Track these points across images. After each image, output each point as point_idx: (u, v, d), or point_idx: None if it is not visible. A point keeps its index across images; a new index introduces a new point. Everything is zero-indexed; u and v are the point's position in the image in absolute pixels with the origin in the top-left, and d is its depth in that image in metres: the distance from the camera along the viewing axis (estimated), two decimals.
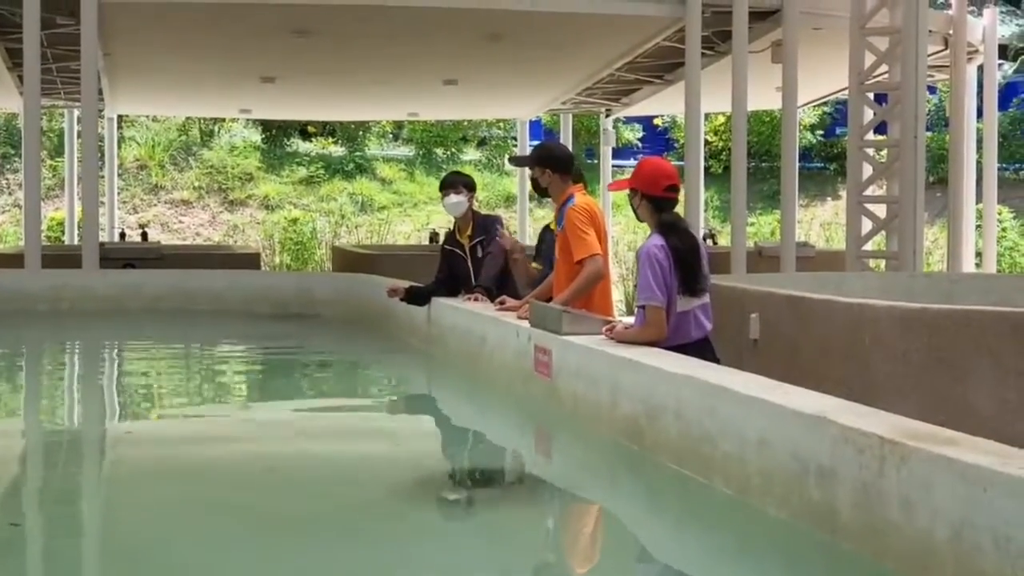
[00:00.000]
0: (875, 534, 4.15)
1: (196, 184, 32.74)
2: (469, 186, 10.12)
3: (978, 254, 20.61)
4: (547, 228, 9.41)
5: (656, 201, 6.81)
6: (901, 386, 7.68)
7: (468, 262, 9.98)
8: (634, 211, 7.02)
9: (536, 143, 15.53)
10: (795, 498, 4.64)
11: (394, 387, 10.48)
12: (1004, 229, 27.41)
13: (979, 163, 20.27)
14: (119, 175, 29.09)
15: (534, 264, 9.34)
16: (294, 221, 30.66)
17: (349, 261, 20.15)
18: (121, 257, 17.62)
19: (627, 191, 7.02)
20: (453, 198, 9.95)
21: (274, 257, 29.57)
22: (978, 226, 20.66)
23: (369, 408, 9.18)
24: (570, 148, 8.71)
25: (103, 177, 24.64)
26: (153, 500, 5.79)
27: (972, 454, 3.79)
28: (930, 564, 3.86)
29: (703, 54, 16.22)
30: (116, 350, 12.77)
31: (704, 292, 6.73)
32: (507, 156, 27.05)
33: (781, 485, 4.74)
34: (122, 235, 24.64)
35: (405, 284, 10.68)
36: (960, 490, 3.73)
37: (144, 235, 25.05)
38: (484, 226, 10.01)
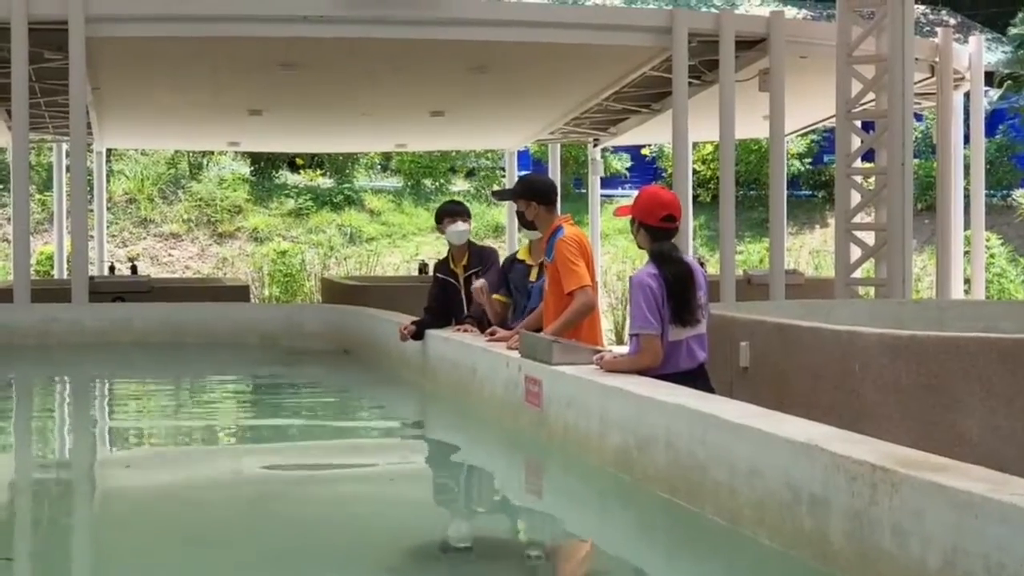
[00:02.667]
0: (868, 562, 4.14)
1: (185, 217, 32.74)
2: (469, 215, 10.15)
3: (966, 281, 20.65)
4: (512, 258, 9.39)
5: (653, 231, 6.81)
6: (891, 413, 7.68)
7: (462, 292, 9.96)
8: (634, 238, 7.03)
9: (521, 174, 15.54)
10: (787, 527, 4.63)
11: (385, 419, 10.46)
12: (992, 256, 27.45)
13: (966, 190, 20.32)
14: (108, 208, 29.05)
15: (498, 296, 9.28)
16: (283, 253, 30.65)
17: (338, 293, 20.15)
18: (110, 291, 17.61)
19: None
20: (460, 226, 9.94)
21: (263, 289, 29.55)
22: (966, 253, 20.70)
23: (360, 442, 9.14)
24: (558, 178, 8.74)
25: (92, 211, 24.63)
26: (142, 537, 5.77)
27: (963, 481, 3.79)
28: None
29: (690, 83, 16.27)
30: (106, 384, 12.73)
31: (698, 322, 6.72)
32: (491, 190, 27.08)
33: (773, 514, 4.74)
34: (111, 268, 24.61)
35: (408, 322, 10.59)
36: (952, 517, 3.73)
37: (134, 268, 25.02)
38: (480, 256, 10.01)
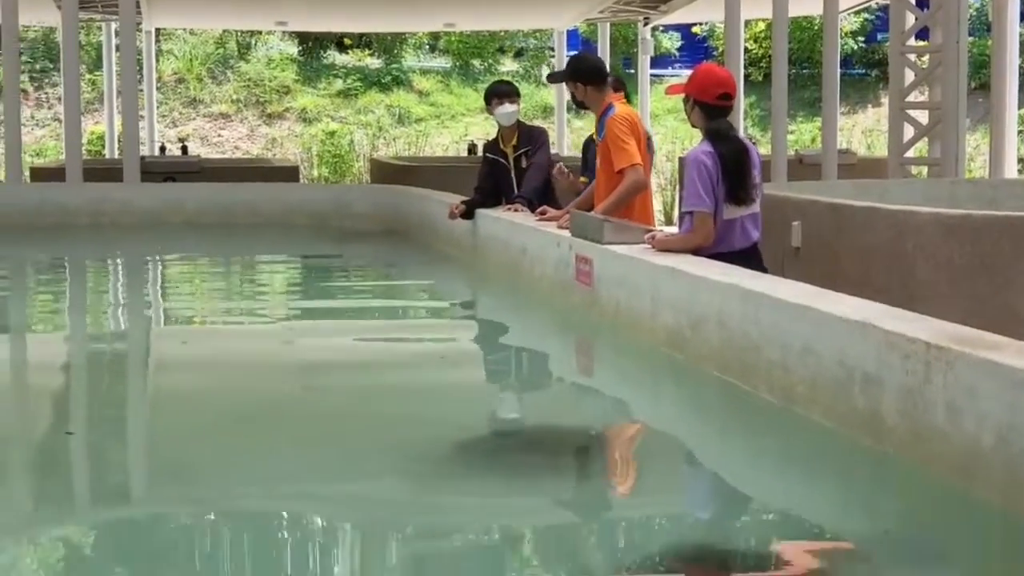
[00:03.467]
0: (920, 440, 4.14)
1: (234, 97, 32.69)
2: (519, 95, 10.09)
3: (1020, 160, 20.44)
4: (591, 139, 9.34)
5: (708, 108, 6.74)
6: (944, 293, 7.64)
7: (512, 172, 9.93)
8: (688, 117, 6.96)
9: (571, 55, 15.38)
10: (840, 405, 4.63)
11: (434, 299, 10.49)
12: None
13: (1022, 68, 20.01)
14: (157, 88, 29.03)
15: (582, 178, 9.26)
16: (332, 134, 30.60)
17: (387, 173, 20.12)
18: (161, 171, 17.65)
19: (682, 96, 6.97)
20: (508, 107, 9.87)
21: (312, 170, 29.55)
22: (1020, 132, 20.46)
23: (409, 322, 9.18)
24: (607, 57, 8.66)
25: (142, 91, 24.60)
26: (196, 413, 5.83)
27: (1019, 359, 3.77)
28: (976, 470, 3.86)
29: None
30: (158, 264, 12.83)
31: (753, 201, 6.67)
32: (546, 74, 26.81)
33: (826, 392, 4.74)
34: (162, 149, 24.62)
35: (458, 201, 10.59)
36: (1007, 395, 3.71)
37: (184, 149, 25.01)
38: (529, 136, 9.96)
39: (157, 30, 28.52)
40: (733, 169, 6.56)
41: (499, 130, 10.10)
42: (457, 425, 5.54)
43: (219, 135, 31.97)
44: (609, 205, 7.71)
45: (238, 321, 9.16)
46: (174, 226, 14.69)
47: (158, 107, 28.98)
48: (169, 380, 6.95)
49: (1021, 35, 19.73)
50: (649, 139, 8.55)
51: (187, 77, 32.71)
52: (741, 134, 7.94)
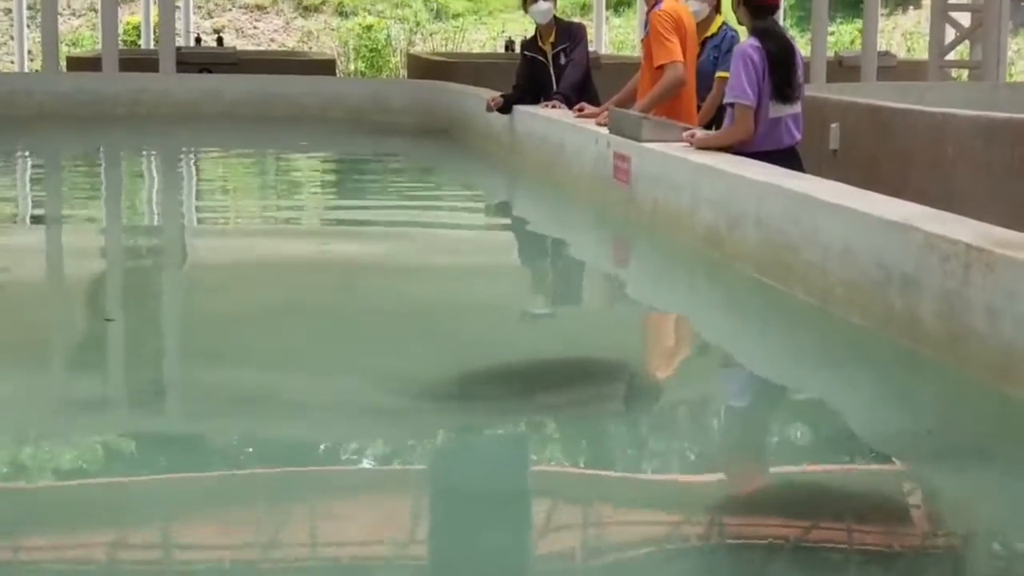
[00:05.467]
0: (958, 342, 4.15)
1: None
2: None
3: None
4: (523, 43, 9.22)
5: (754, 7, 6.68)
6: (983, 197, 7.61)
7: (551, 69, 9.85)
8: (735, 14, 6.90)
9: None
10: (878, 306, 4.64)
11: (472, 196, 10.50)
12: None
13: None
14: None
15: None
16: (368, 28, 30.44)
17: (425, 69, 20.03)
18: (197, 62, 17.59)
19: None
20: (543, 5, 9.77)
21: (348, 64, 29.44)
22: None
23: (447, 218, 9.15)
24: None
25: None
26: (233, 300, 5.91)
27: None
28: (1013, 372, 3.88)
29: None
30: (194, 155, 12.86)
31: (796, 100, 6.64)
32: None
33: (864, 293, 4.75)
34: (197, 40, 24.54)
35: (497, 95, 10.55)
36: None
37: (219, 40, 24.92)
38: (568, 33, 9.88)
39: None
40: (780, 66, 6.51)
41: (537, 28, 10.02)
42: (494, 321, 5.59)
43: (254, 27, 31.84)
44: (648, 102, 7.65)
45: (273, 217, 9.20)
46: (211, 117, 14.67)
47: None
48: (204, 272, 6.99)
49: None
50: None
51: None
52: None
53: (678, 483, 3.72)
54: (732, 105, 6.57)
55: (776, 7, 6.78)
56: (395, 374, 4.52)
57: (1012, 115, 8.02)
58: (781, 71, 6.51)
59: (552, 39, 9.82)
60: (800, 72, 6.67)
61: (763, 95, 6.48)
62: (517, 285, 6.75)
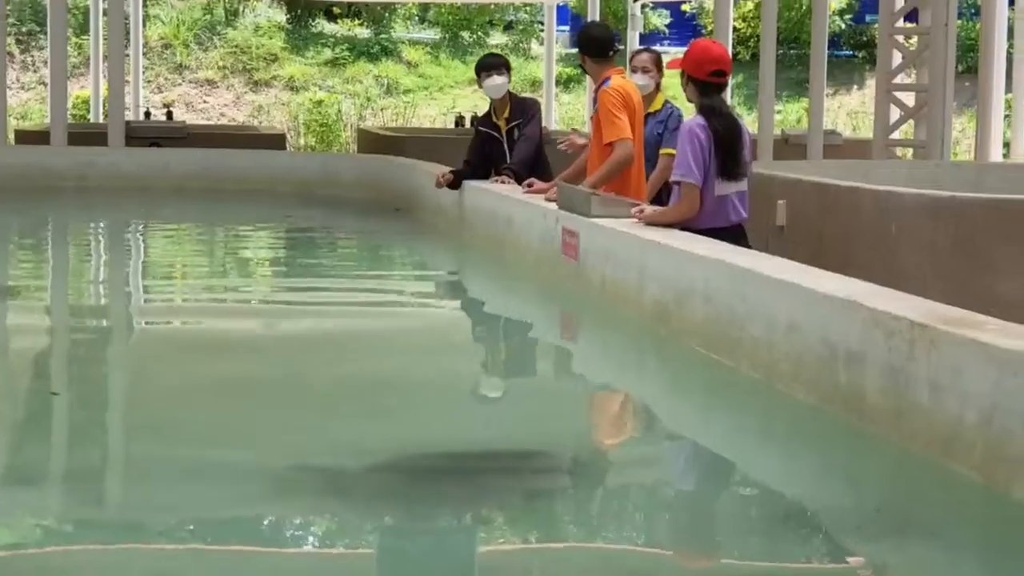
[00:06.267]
0: (903, 418, 4.18)
1: (221, 64, 32.57)
2: (508, 68, 10.05)
3: (1006, 144, 20.46)
4: (478, 119, 9.32)
5: (702, 85, 6.76)
6: (927, 275, 7.67)
7: (505, 144, 9.89)
8: (684, 92, 6.96)
9: (569, 27, 15.33)
10: (823, 382, 4.67)
11: (421, 270, 10.51)
12: None
13: (1009, 52, 20.04)
14: (144, 54, 28.92)
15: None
16: (319, 103, 30.52)
17: (375, 143, 20.08)
18: (147, 136, 17.56)
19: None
20: (497, 79, 9.83)
21: (299, 139, 29.48)
22: (1006, 116, 20.48)
23: (395, 292, 9.16)
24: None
25: (128, 56, 24.51)
26: (179, 375, 5.87)
27: (1003, 338, 3.81)
28: (957, 448, 3.90)
29: None
30: (142, 228, 12.82)
31: (742, 177, 6.70)
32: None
33: (809, 369, 4.77)
34: (147, 114, 24.54)
35: (446, 170, 10.58)
36: (991, 374, 3.75)
37: (169, 114, 24.92)
38: (522, 108, 9.93)
39: None
40: (726, 144, 6.58)
41: (491, 103, 10.07)
42: (439, 398, 5.58)
43: (205, 101, 31.86)
44: (597, 178, 7.69)
45: (221, 287, 9.17)
46: (159, 191, 14.64)
47: (144, 72, 28.87)
48: (150, 345, 6.96)
49: (1009, 19, 19.76)
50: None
51: (173, 43, 32.56)
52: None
53: (625, 563, 3.71)
54: (679, 183, 6.63)
55: (723, 86, 6.85)
56: (340, 453, 4.50)
57: (955, 193, 8.10)
58: (727, 149, 6.57)
59: (506, 114, 9.86)
60: (747, 150, 6.74)
61: (709, 173, 6.54)
62: (465, 361, 6.73)
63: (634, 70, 8.40)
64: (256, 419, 5.02)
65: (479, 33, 35.21)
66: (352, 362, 6.23)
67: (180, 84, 32.09)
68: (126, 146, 15.54)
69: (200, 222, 13.20)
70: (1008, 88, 19.98)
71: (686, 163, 6.55)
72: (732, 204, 6.70)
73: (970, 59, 25.98)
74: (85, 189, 14.52)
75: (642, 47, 10.42)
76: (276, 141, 19.92)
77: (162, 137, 17.63)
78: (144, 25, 29.29)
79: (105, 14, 16.17)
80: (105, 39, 21.71)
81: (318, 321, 7.54)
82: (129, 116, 21.26)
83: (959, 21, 20.54)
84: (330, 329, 7.27)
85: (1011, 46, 19.97)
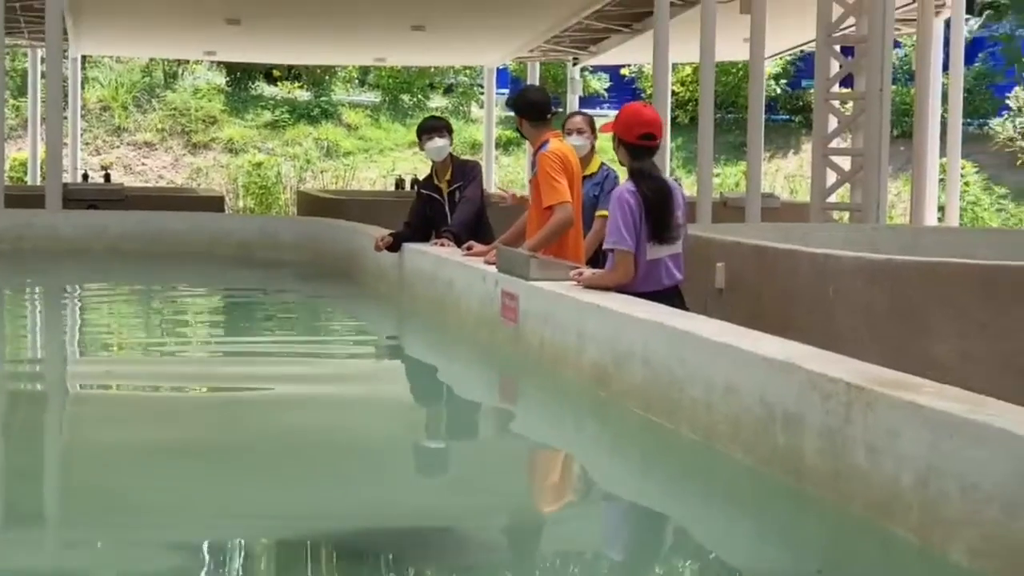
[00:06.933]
0: (840, 479, 4.19)
1: (159, 126, 32.52)
2: (450, 130, 10.07)
3: (941, 208, 20.70)
4: (419, 182, 9.38)
5: (632, 148, 6.79)
6: (863, 337, 7.72)
7: (446, 207, 9.91)
8: (616, 155, 7.00)
9: (509, 90, 15.39)
10: (761, 444, 4.68)
11: (360, 333, 10.46)
12: (967, 184, 27.51)
13: (944, 117, 20.32)
14: (82, 116, 28.84)
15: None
16: (258, 165, 30.51)
17: (314, 206, 20.08)
18: (84, 198, 17.50)
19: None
20: (438, 142, 9.86)
21: (238, 201, 29.44)
22: (941, 180, 20.74)
23: (334, 356, 9.13)
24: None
25: (66, 118, 24.42)
26: (116, 442, 5.79)
27: (939, 401, 3.83)
28: (895, 510, 3.91)
29: (672, 4, 16.17)
30: (79, 291, 12.72)
31: (675, 240, 6.72)
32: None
33: (747, 431, 4.78)
34: (85, 176, 24.48)
35: (385, 233, 10.57)
36: (927, 437, 3.77)
37: (107, 176, 24.87)
38: (463, 170, 9.95)
39: (83, 57, 28.33)
40: (656, 208, 6.61)
41: (433, 165, 10.09)
42: (376, 460, 5.55)
43: (143, 164, 31.77)
44: (536, 241, 7.71)
45: (159, 351, 9.10)
46: (97, 254, 14.55)
47: (82, 135, 28.78)
48: (87, 410, 6.89)
49: (943, 84, 20.05)
50: (678, 184, 8.50)
51: (112, 105, 32.48)
52: (667, 175, 8.03)
53: None
54: (611, 251, 6.65)
55: (654, 148, 6.87)
56: (272, 519, 4.47)
57: (891, 256, 8.17)
58: (657, 214, 6.60)
59: (448, 177, 9.88)
60: (680, 212, 6.77)
61: (641, 238, 6.57)
62: (403, 424, 6.70)
63: (568, 132, 8.46)
64: (188, 484, 4.96)
65: (419, 96, 35.37)
66: (288, 428, 6.18)
67: (118, 146, 31.98)
68: (64, 208, 15.43)
69: (138, 285, 13.11)
70: (942, 152, 20.26)
71: (617, 230, 6.58)
72: (666, 267, 6.73)
73: (905, 124, 26.33)
74: (22, 251, 14.40)
75: (575, 110, 10.52)
76: (214, 203, 19.90)
77: (100, 200, 17.57)
78: (83, 87, 29.23)
79: (43, 76, 16.07)
80: (43, 101, 21.62)
81: (254, 386, 7.48)
82: (67, 178, 21.18)
83: (894, 86, 20.83)
84: (267, 394, 7.23)
85: (945, 111, 20.27)
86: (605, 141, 8.77)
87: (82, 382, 7.89)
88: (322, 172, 31.48)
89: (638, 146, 6.77)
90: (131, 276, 13.68)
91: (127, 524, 4.39)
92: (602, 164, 8.48)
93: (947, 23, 20.06)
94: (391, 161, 32.29)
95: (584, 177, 8.29)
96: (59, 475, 5.47)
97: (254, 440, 5.89)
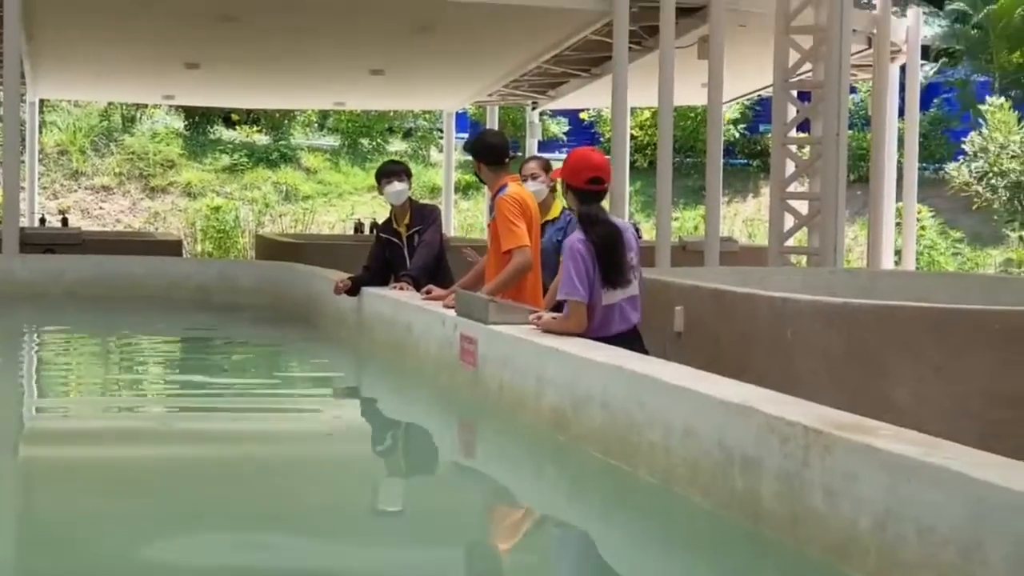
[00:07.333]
0: (799, 523, 4.20)
1: (117, 170, 32.43)
2: (409, 174, 10.09)
3: (897, 252, 20.85)
4: (378, 225, 9.42)
5: (580, 193, 6.81)
6: (821, 380, 7.75)
7: (405, 251, 9.92)
8: (565, 201, 7.02)
9: (468, 134, 15.42)
10: (719, 487, 4.68)
11: (319, 377, 10.42)
12: (923, 228, 27.73)
13: (900, 162, 20.50)
14: (40, 160, 28.74)
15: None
16: (217, 209, 30.45)
17: (273, 250, 20.05)
18: (41, 242, 17.41)
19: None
20: (397, 186, 9.88)
21: (196, 245, 29.37)
22: (898, 224, 20.90)
23: (293, 400, 9.10)
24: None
25: (24, 162, 24.33)
26: (72, 493, 5.73)
27: (896, 444, 3.85)
28: (853, 553, 3.91)
29: (630, 49, 16.27)
30: (36, 336, 12.63)
31: (629, 283, 6.73)
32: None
33: (706, 474, 4.79)
34: (42, 220, 24.37)
35: (345, 276, 10.57)
36: (884, 480, 3.78)
37: (64, 221, 24.77)
38: (422, 215, 9.97)
39: (41, 101, 28.25)
40: (607, 254, 6.62)
41: (392, 209, 10.10)
42: (335, 508, 5.52)
43: (101, 208, 31.66)
44: (495, 285, 7.72)
45: (117, 396, 9.03)
46: (54, 298, 14.48)
47: (39, 178, 28.66)
48: (44, 454, 6.83)
49: (899, 130, 20.24)
50: (637, 228, 8.55)
51: (70, 149, 32.39)
52: (626, 219, 8.05)
53: None
54: (565, 301, 6.67)
55: (602, 193, 6.89)
56: (224, 572, 4.44)
57: (848, 300, 8.21)
58: (608, 259, 6.61)
59: (407, 221, 9.89)
60: (632, 253, 6.78)
61: (595, 286, 6.58)
62: (361, 468, 6.67)
63: (524, 178, 8.48)
64: (139, 534, 4.92)
65: (379, 140, 35.45)
66: (245, 475, 6.15)
67: (76, 190, 31.88)
68: (20, 252, 15.36)
69: (95, 330, 13.04)
70: (898, 197, 20.43)
71: (570, 281, 6.59)
72: (621, 311, 6.74)
73: (862, 168, 26.56)
74: None
75: (532, 155, 10.57)
76: (172, 247, 19.82)
77: (57, 244, 17.48)
78: (40, 131, 29.12)
79: (0, 120, 16.02)
80: (1, 145, 21.52)
81: (212, 432, 7.44)
82: (24, 222, 21.05)
83: (850, 131, 21.05)
84: (225, 440, 7.18)
85: (901, 156, 20.45)
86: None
87: (37, 426, 7.82)
88: (281, 216, 31.46)
89: (586, 191, 6.79)
90: (88, 321, 13.60)
91: (75, 564, 4.35)
92: (564, 209, 8.50)
93: (902, 68, 20.27)
94: (350, 205, 32.30)
95: (547, 222, 8.33)
96: (9, 527, 5.41)
97: (209, 488, 5.85)
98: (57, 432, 7.46)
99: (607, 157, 7.36)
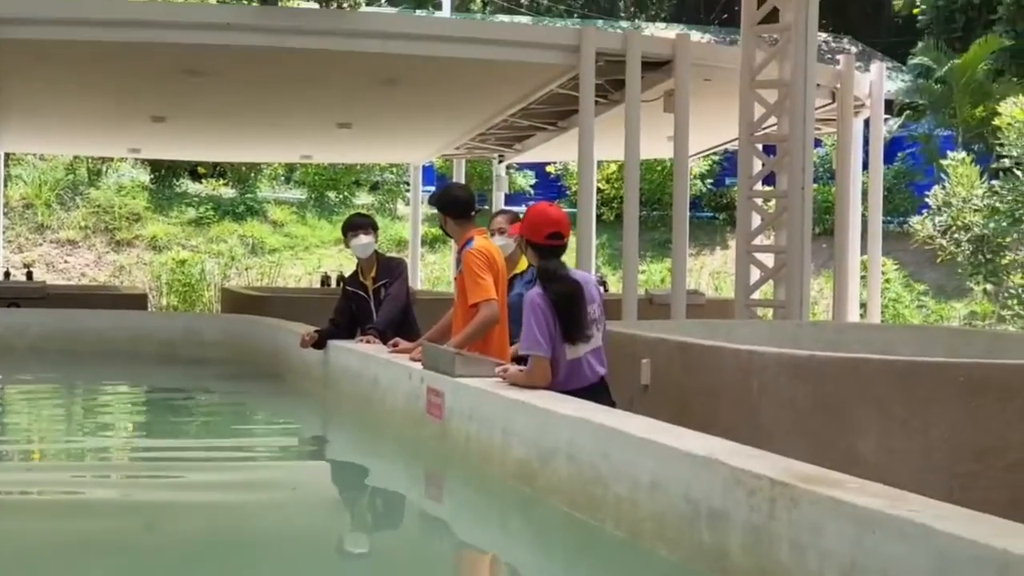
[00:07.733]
0: None
1: (83, 224, 32.31)
2: (375, 227, 10.11)
3: (862, 305, 20.91)
4: (345, 278, 9.46)
5: (539, 248, 6.83)
6: (788, 433, 7.76)
7: (372, 304, 9.93)
8: (525, 256, 7.04)
9: (435, 187, 15.45)
10: (686, 540, 4.67)
11: (285, 431, 10.38)
12: (888, 281, 27.86)
13: (864, 215, 20.60)
14: (4, 214, 28.63)
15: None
16: (182, 263, 30.34)
17: (239, 303, 19.99)
18: (5, 296, 17.35)
19: None
20: (363, 239, 9.90)
21: (161, 298, 29.25)
22: (863, 277, 20.97)
23: (259, 454, 9.06)
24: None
25: None
26: (30, 545, 5.69)
27: (861, 497, 3.85)
28: None
29: (596, 102, 16.32)
30: (0, 391, 12.55)
31: (590, 338, 6.74)
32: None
33: (672, 527, 4.78)
34: (6, 274, 24.24)
35: (311, 330, 10.56)
36: (849, 532, 3.78)
37: (29, 274, 24.66)
38: (388, 268, 9.99)
39: (6, 154, 28.18)
40: (566, 309, 6.63)
41: (358, 262, 10.11)
42: (301, 560, 5.48)
43: (66, 261, 31.52)
44: (462, 338, 7.74)
45: (78, 454, 8.97)
46: (18, 352, 14.41)
47: (4, 232, 28.54)
48: (3, 514, 6.77)
49: (863, 183, 20.35)
50: (603, 281, 8.59)
51: (35, 203, 32.27)
52: (592, 273, 8.05)
53: None
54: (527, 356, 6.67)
55: (561, 248, 6.90)
56: None
57: (814, 352, 8.23)
58: (568, 314, 6.62)
59: (374, 274, 9.92)
60: (595, 306, 6.79)
61: (556, 340, 6.59)
62: (328, 521, 6.64)
63: (492, 233, 8.51)
64: None
65: (345, 193, 35.42)
66: (211, 528, 6.12)
67: (41, 244, 31.74)
68: None
69: (59, 384, 12.96)
70: (864, 250, 20.51)
71: (532, 336, 6.60)
72: (587, 363, 6.75)
73: (827, 221, 26.66)
74: None
75: (499, 209, 10.59)
76: (138, 301, 19.75)
77: (21, 297, 17.42)
78: (5, 185, 29.03)
79: None
80: None
81: (176, 485, 7.40)
82: None
83: (815, 185, 21.16)
84: (189, 494, 7.13)
85: (865, 209, 20.55)
86: None
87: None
88: (247, 269, 31.37)
89: (546, 246, 6.81)
90: (53, 375, 13.52)
91: None
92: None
93: (866, 123, 20.38)
94: (317, 258, 32.24)
95: (515, 276, 8.34)
96: None
97: (176, 543, 5.81)
98: (18, 489, 7.39)
99: (566, 212, 7.39)
